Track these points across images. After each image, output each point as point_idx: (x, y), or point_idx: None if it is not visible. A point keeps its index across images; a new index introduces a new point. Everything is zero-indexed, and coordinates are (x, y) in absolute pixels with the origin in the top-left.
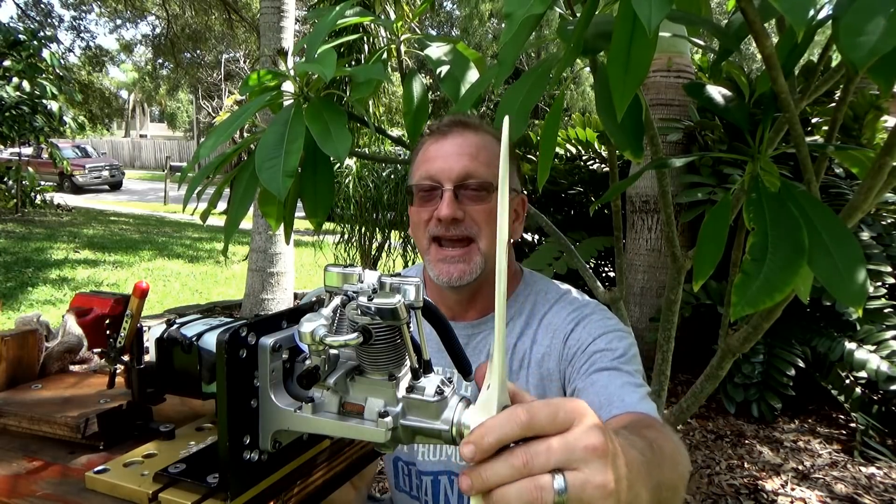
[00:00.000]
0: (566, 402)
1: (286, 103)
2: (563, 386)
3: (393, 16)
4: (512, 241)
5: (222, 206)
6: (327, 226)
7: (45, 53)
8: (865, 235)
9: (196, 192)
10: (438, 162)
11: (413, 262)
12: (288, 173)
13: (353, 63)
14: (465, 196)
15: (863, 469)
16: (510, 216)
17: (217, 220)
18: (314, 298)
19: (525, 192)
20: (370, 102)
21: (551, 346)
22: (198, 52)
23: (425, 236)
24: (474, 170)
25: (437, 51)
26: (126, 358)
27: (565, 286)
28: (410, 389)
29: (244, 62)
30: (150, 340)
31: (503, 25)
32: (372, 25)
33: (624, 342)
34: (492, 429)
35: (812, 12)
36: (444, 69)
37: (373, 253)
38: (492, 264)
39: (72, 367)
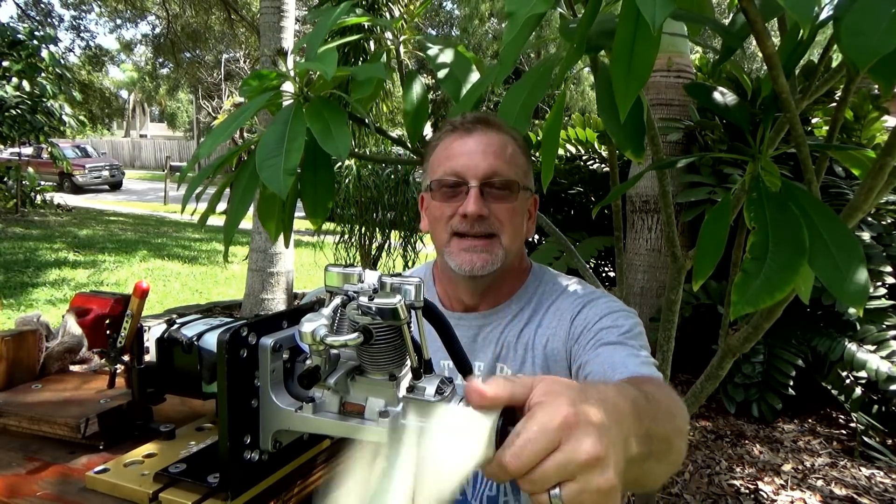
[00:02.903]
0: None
1: (286, 103)
2: (569, 365)
3: (397, 14)
4: (526, 237)
5: (222, 206)
6: (327, 226)
7: (45, 53)
8: (865, 235)
9: (195, 193)
10: (464, 158)
11: (413, 263)
12: (289, 171)
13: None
14: (490, 194)
15: (863, 469)
16: (524, 215)
17: (217, 220)
18: (314, 298)
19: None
20: (375, 105)
21: (558, 328)
22: (198, 51)
23: (446, 231)
24: (500, 168)
25: (437, 51)
26: (126, 358)
27: (574, 278)
28: (411, 389)
29: (244, 62)
30: (150, 340)
31: (503, 25)
32: (376, 26)
33: (630, 320)
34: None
35: (816, 10)
36: (444, 69)
37: (373, 253)
38: (511, 258)
39: (72, 367)
